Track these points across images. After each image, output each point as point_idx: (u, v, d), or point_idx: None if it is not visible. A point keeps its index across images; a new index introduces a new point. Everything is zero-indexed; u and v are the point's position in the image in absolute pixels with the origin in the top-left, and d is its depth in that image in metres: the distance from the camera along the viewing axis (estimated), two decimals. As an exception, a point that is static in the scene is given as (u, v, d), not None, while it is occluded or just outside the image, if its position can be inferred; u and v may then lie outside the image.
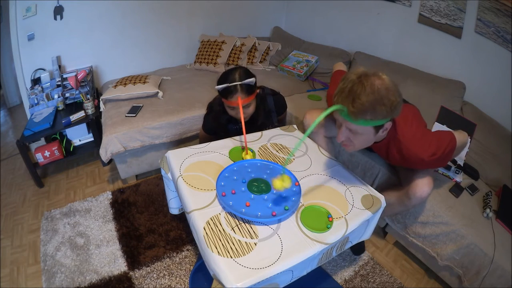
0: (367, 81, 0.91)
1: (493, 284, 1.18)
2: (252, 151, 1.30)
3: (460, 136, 1.25)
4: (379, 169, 1.52)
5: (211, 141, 1.35)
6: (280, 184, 0.96)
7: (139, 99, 2.03)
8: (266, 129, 1.52)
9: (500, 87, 1.69)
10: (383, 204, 1.11)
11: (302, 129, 1.52)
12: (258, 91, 1.41)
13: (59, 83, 2.10)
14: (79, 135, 2.12)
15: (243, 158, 1.24)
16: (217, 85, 1.32)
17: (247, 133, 1.42)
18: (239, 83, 1.28)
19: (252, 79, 1.30)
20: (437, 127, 1.72)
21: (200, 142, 1.43)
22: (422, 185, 1.18)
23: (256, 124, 1.50)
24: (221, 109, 1.47)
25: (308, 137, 1.45)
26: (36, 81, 2.10)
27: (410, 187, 1.21)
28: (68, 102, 2.14)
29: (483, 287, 1.20)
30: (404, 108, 1.01)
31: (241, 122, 1.28)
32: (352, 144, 1.06)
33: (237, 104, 1.28)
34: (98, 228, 1.62)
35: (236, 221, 0.96)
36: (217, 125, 1.53)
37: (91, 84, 2.18)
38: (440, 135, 1.16)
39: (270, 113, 1.56)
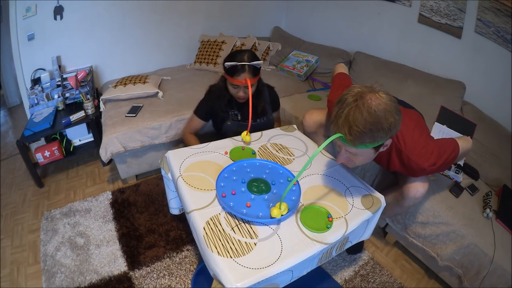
0: (364, 103, 0.87)
1: (493, 284, 1.18)
2: (254, 153, 1.30)
3: (464, 143, 1.23)
4: (379, 169, 1.52)
5: (197, 141, 1.35)
6: (278, 212, 0.94)
7: (139, 99, 2.04)
8: (261, 119, 1.55)
9: (500, 87, 1.69)
10: (383, 204, 1.11)
11: (302, 129, 1.52)
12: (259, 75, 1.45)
13: (59, 83, 2.10)
14: (79, 135, 2.12)
15: (243, 139, 1.33)
16: (225, 62, 1.35)
17: (241, 110, 1.47)
18: (248, 63, 1.31)
19: (260, 62, 1.34)
20: (437, 127, 1.72)
21: (186, 143, 1.45)
22: (416, 186, 1.18)
23: (257, 108, 1.51)
24: (223, 86, 1.47)
25: (308, 137, 1.45)
26: (36, 81, 2.10)
27: (405, 187, 1.21)
28: (68, 102, 2.14)
29: (483, 287, 1.20)
30: (406, 115, 0.99)
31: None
32: (352, 163, 1.05)
33: (241, 82, 1.32)
34: (98, 228, 1.62)
35: (236, 221, 0.96)
36: (217, 103, 1.50)
37: (91, 84, 2.18)
38: (443, 144, 1.15)
39: (265, 103, 1.57)
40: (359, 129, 0.87)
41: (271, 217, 0.95)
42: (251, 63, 1.32)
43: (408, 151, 1.08)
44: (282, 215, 0.95)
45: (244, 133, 1.33)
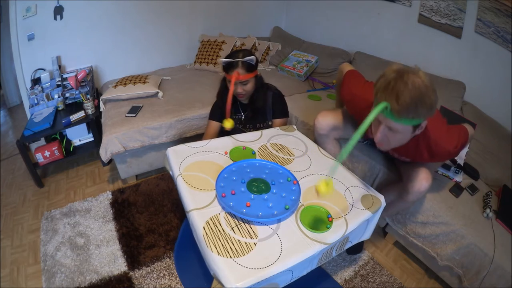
0: (408, 78, 0.90)
1: (493, 284, 1.18)
2: (254, 153, 1.30)
3: (468, 127, 1.30)
4: (379, 169, 1.52)
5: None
6: (324, 188, 0.90)
7: (139, 99, 2.04)
8: (261, 125, 1.57)
9: (500, 87, 1.69)
10: (383, 204, 1.11)
11: (310, 131, 1.49)
12: (258, 73, 1.48)
13: (59, 83, 2.10)
14: (79, 135, 2.12)
15: (223, 125, 1.40)
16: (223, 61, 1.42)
17: (245, 112, 1.52)
18: (241, 59, 1.37)
19: (252, 57, 1.38)
20: (437, 127, 1.72)
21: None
22: (421, 179, 1.19)
23: (254, 106, 1.53)
24: (225, 85, 1.52)
25: (318, 139, 1.44)
26: (36, 81, 2.10)
27: (409, 182, 1.22)
28: (68, 102, 2.14)
29: (483, 287, 1.20)
30: None
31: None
32: (388, 143, 1.06)
33: (232, 77, 1.38)
34: (98, 228, 1.62)
35: (236, 221, 0.96)
36: (222, 102, 1.52)
37: (91, 84, 2.18)
38: (457, 128, 1.23)
39: (266, 105, 1.56)
40: (406, 99, 0.89)
41: (318, 193, 0.91)
42: (243, 59, 1.37)
43: (435, 135, 1.11)
44: (329, 194, 0.91)
45: (225, 120, 1.40)
